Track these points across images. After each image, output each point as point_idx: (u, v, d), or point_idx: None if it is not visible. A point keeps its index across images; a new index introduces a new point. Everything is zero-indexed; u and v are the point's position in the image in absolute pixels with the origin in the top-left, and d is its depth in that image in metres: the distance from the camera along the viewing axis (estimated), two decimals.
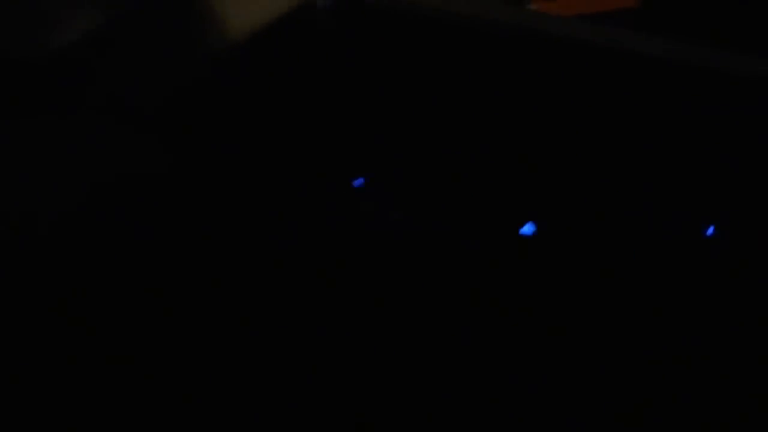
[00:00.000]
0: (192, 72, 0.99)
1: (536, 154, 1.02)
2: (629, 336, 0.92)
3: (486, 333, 0.92)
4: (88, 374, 0.84)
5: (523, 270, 0.95)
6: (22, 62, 0.97)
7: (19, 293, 0.87)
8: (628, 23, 1.02)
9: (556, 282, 0.95)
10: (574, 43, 0.96)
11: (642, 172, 0.99)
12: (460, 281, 0.94)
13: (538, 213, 0.97)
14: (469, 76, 0.99)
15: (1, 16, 0.96)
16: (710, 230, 0.96)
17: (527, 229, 0.96)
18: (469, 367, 0.89)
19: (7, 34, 0.97)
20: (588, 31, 0.96)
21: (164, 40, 0.99)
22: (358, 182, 1.04)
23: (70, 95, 0.99)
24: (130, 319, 0.88)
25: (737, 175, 0.97)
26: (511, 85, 0.99)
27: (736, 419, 0.85)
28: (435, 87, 1.01)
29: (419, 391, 0.86)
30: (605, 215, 0.98)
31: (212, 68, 0.98)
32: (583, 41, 0.95)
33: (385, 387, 0.86)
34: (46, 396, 0.82)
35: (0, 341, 0.84)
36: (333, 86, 1.02)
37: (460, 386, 0.87)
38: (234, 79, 1.05)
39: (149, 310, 0.89)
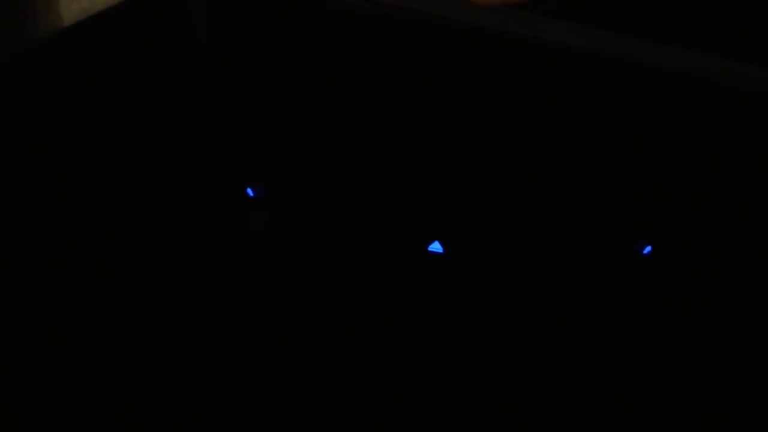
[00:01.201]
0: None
1: (455, 163, 0.94)
2: (559, 356, 0.88)
3: (389, 353, 0.86)
4: None
5: (432, 290, 0.87)
6: None
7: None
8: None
9: (481, 304, 0.89)
10: (486, 34, 0.86)
11: (575, 186, 0.93)
12: (360, 297, 0.87)
13: (446, 229, 0.89)
14: (370, 77, 0.90)
15: None
16: (647, 249, 0.91)
17: (435, 246, 0.87)
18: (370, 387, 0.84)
19: None
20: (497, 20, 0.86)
21: None
22: (252, 191, 0.95)
23: None
24: None
25: (674, 192, 0.91)
26: (415, 87, 0.90)
27: None
28: (337, 91, 0.92)
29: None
30: (536, 234, 0.92)
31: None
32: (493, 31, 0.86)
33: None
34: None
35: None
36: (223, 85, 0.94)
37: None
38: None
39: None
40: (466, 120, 0.91)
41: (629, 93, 0.86)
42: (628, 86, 0.85)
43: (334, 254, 0.90)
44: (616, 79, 0.85)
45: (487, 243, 0.89)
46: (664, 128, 0.87)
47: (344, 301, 0.87)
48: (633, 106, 0.86)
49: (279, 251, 0.91)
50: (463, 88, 0.91)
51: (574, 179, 0.91)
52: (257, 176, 0.96)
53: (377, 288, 0.87)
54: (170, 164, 0.93)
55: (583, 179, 0.91)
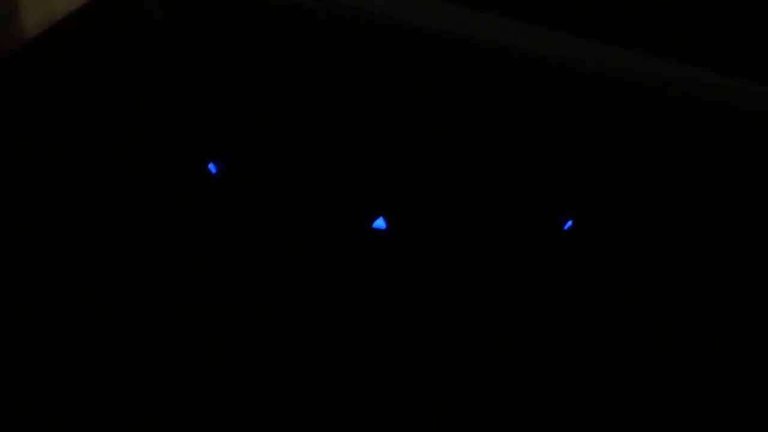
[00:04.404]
0: None
1: (386, 147, 0.99)
2: (486, 330, 0.92)
3: (339, 327, 0.90)
4: None
5: (376, 264, 0.93)
6: None
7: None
8: None
9: (413, 277, 0.94)
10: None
11: (498, 167, 0.97)
12: (309, 274, 0.92)
13: (389, 208, 0.94)
14: (314, 63, 0.95)
15: None
16: (568, 224, 0.95)
17: (379, 223, 0.94)
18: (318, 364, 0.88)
19: None
20: None
21: None
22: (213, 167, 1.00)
23: None
24: None
25: (594, 170, 0.96)
26: (358, 75, 0.95)
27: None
28: (276, 75, 0.97)
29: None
30: (459, 210, 0.97)
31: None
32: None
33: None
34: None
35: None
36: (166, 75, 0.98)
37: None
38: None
39: None
40: (406, 102, 0.97)
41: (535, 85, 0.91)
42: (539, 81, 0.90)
43: (284, 231, 0.95)
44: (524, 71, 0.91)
45: (426, 221, 0.95)
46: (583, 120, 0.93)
47: (292, 278, 0.91)
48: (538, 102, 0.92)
49: (234, 228, 0.97)
50: (405, 76, 0.96)
51: (500, 158, 0.96)
52: (217, 153, 1.01)
53: (325, 263, 0.92)
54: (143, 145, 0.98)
55: (506, 159, 0.96)
